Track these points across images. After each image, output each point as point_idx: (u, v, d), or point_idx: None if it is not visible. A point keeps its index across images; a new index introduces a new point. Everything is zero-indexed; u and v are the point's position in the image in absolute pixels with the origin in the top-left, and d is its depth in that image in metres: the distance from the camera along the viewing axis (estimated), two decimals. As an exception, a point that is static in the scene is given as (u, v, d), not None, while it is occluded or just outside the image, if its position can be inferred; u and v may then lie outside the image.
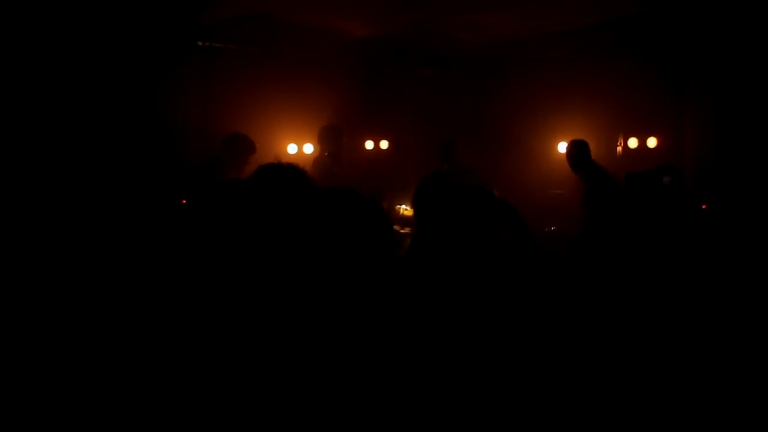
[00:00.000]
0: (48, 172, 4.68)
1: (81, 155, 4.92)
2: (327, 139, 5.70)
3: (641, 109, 5.65)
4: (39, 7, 4.68)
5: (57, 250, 4.18)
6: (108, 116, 5.14)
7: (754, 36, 4.81)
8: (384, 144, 6.97)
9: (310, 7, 5.33)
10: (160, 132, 5.44)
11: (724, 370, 2.66)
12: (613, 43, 5.75)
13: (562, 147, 6.28)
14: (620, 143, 5.79)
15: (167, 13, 5.27)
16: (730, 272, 3.66)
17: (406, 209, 5.31)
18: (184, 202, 4.59)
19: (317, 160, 5.65)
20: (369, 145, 6.92)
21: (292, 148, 6.30)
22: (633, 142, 5.71)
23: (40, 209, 4.49)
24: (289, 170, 2.16)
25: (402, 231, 4.88)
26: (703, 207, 4.65)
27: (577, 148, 5.21)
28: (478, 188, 3.26)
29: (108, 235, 4.49)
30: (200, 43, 5.84)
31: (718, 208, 4.61)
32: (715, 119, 5.14)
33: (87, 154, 4.95)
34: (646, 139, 5.63)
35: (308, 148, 6.23)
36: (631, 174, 3.83)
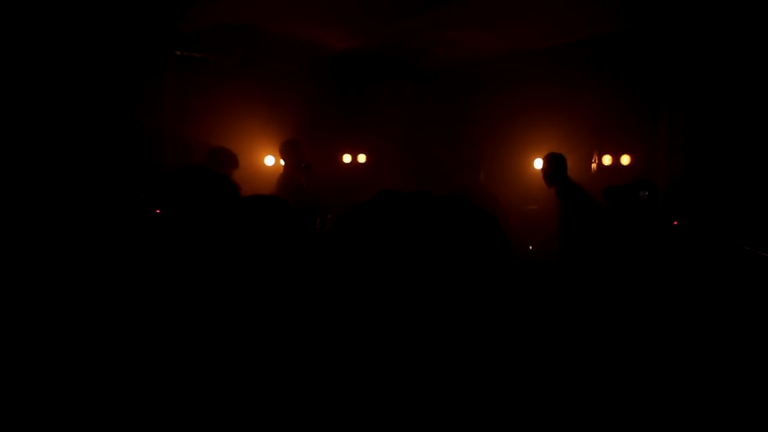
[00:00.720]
0: (23, 179, 4.59)
1: (55, 163, 4.83)
2: (286, 154, 5.71)
3: (615, 127, 5.76)
4: (15, 12, 4.61)
5: (27, 255, 4.08)
6: (84, 124, 5.06)
7: (724, 59, 4.97)
8: (362, 158, 6.97)
9: (290, 18, 5.34)
10: (137, 141, 5.38)
11: (705, 383, 2.70)
12: (589, 62, 5.87)
13: (538, 163, 6.38)
14: (595, 160, 5.89)
15: (145, 21, 5.24)
16: (700, 287, 3.73)
17: None
18: (158, 211, 4.54)
19: (283, 174, 5.65)
20: (346, 158, 6.92)
21: (269, 160, 6.28)
22: (607, 159, 5.82)
23: (14, 215, 4.39)
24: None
25: None
26: (675, 223, 4.74)
27: (552, 162, 5.25)
28: (457, 197, 3.28)
29: (82, 241, 4.40)
30: (179, 53, 5.81)
31: (688, 224, 4.71)
32: (686, 139, 5.28)
33: (61, 162, 4.87)
34: (620, 156, 5.74)
35: (286, 161, 6.23)
36: (609, 188, 3.90)
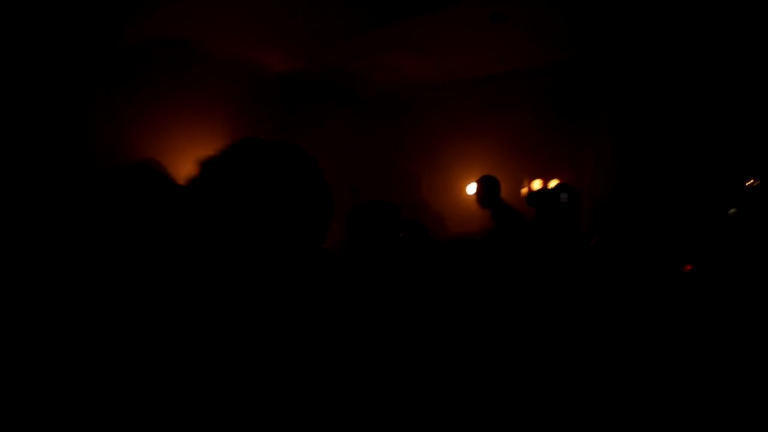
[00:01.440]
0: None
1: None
2: None
3: (545, 153, 5.98)
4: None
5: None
6: (8, 142, 4.86)
7: (648, 88, 5.27)
8: (298, 179, 6.96)
9: (229, 36, 5.39)
10: (66, 157, 5.20)
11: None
12: (519, 90, 6.12)
13: (470, 188, 6.52)
14: (525, 184, 6.06)
15: (77, 34, 5.14)
16: (622, 301, 3.84)
17: None
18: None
19: None
20: (284, 179, 6.89)
21: (204, 180, 6.21)
22: (537, 184, 6.00)
23: None
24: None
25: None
26: (592, 243, 4.90)
27: (485, 185, 5.34)
28: (384, 203, 3.34)
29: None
30: (113, 67, 5.71)
31: (608, 242, 4.88)
32: (611, 163, 5.54)
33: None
34: (549, 180, 5.94)
35: (221, 181, 6.16)
36: (531, 193, 4.03)
